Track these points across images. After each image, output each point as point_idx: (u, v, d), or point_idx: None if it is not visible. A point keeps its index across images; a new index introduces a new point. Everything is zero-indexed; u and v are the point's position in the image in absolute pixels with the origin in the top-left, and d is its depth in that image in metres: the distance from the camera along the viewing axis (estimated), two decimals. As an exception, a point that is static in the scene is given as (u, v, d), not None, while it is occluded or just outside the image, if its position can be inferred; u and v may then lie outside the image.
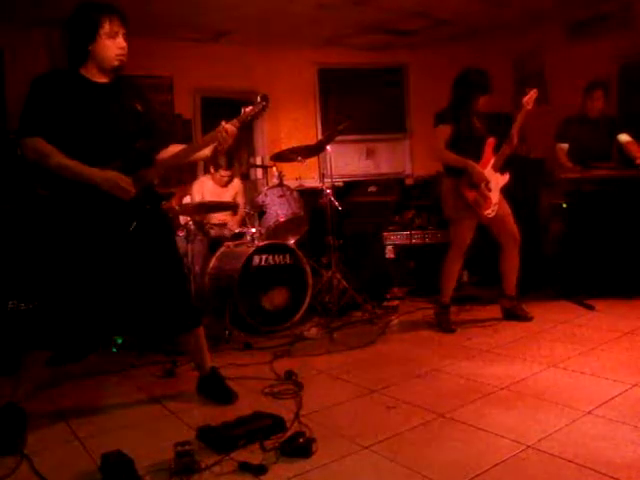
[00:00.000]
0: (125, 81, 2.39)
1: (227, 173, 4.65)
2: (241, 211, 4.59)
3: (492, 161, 3.59)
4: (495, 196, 3.58)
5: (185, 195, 4.77)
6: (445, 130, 3.53)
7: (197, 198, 4.54)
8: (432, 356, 3.11)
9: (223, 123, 2.36)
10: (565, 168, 4.43)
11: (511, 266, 3.75)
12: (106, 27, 2.20)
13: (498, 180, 3.61)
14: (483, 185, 3.51)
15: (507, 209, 3.69)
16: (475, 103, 3.55)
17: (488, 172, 3.55)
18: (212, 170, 4.69)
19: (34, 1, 4.55)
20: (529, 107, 3.52)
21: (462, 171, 3.52)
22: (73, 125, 2.21)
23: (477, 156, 3.55)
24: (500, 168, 3.63)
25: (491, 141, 3.58)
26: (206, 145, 2.43)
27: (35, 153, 2.18)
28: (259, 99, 2.41)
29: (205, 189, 4.62)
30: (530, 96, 3.52)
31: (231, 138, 2.35)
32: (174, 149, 2.46)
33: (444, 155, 3.55)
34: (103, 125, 2.25)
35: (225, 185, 4.71)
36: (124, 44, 2.26)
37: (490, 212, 3.56)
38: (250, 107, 2.40)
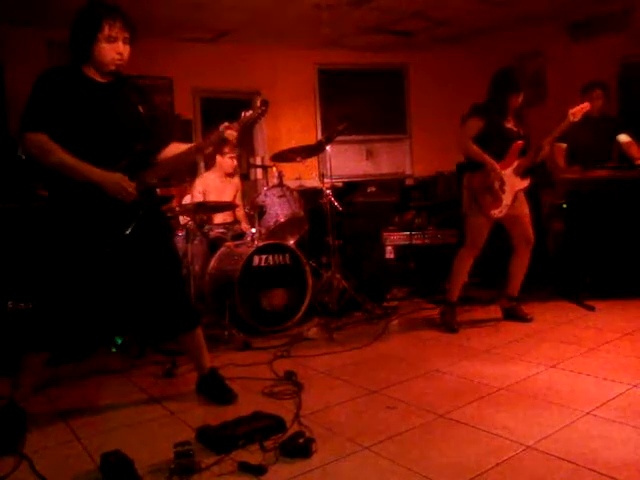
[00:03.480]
0: (128, 82, 2.39)
1: (234, 154, 4.58)
2: (242, 210, 4.58)
3: (515, 164, 3.54)
4: (508, 198, 3.53)
5: (186, 194, 4.75)
6: (476, 123, 3.51)
7: (198, 195, 4.53)
8: (432, 356, 3.11)
9: (226, 124, 2.36)
10: (560, 168, 4.43)
11: (520, 268, 3.74)
12: (105, 31, 2.20)
13: (515, 183, 3.55)
14: (497, 185, 3.50)
15: (525, 210, 3.66)
16: (510, 103, 3.52)
17: (508, 174, 3.52)
18: (218, 158, 4.65)
19: (34, 1, 4.55)
20: (575, 119, 3.46)
21: (479, 166, 3.51)
22: (75, 123, 2.21)
23: (500, 156, 3.51)
24: (522, 173, 3.57)
25: (518, 144, 3.53)
26: (207, 147, 2.45)
27: (37, 148, 2.17)
28: (258, 104, 2.41)
29: (207, 185, 4.60)
30: (580, 109, 3.45)
31: (233, 140, 2.38)
32: (175, 147, 2.47)
33: (468, 147, 3.52)
34: (105, 125, 2.25)
35: (232, 172, 4.66)
36: (122, 49, 2.25)
37: (497, 212, 3.54)
38: (250, 112, 2.41)
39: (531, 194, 4.37)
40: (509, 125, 3.57)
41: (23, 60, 4.90)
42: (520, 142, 3.54)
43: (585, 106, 3.49)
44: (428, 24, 5.98)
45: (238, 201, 4.69)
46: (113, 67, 2.26)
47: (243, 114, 2.41)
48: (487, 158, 3.48)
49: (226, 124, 2.38)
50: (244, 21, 5.52)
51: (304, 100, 6.77)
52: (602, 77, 4.61)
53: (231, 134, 2.35)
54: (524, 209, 3.66)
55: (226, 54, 6.21)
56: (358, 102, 6.90)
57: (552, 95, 5.74)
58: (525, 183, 3.62)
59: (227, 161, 4.60)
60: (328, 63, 6.84)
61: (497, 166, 3.50)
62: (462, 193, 3.70)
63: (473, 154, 3.53)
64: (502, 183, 3.51)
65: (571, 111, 3.48)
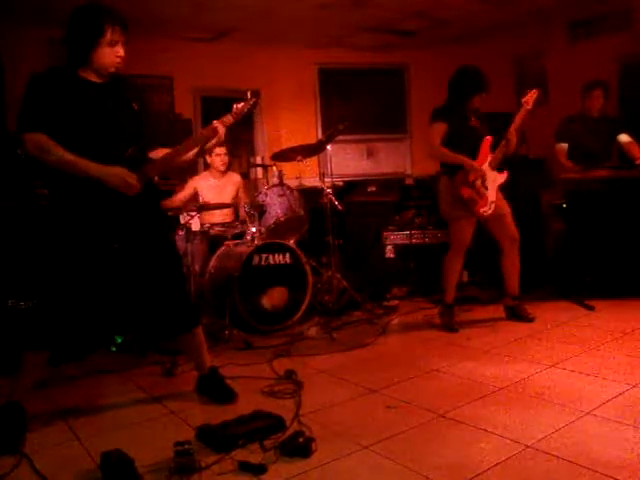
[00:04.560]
0: (123, 80, 2.40)
1: (223, 150, 4.57)
2: (243, 207, 4.54)
3: (488, 159, 3.58)
4: (492, 194, 3.56)
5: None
6: (440, 127, 3.53)
7: (189, 190, 4.53)
8: (432, 356, 3.10)
9: (215, 122, 2.39)
10: (565, 168, 4.43)
11: (512, 266, 3.74)
12: (108, 36, 2.21)
13: (495, 178, 3.60)
14: (479, 182, 3.51)
15: (507, 209, 3.68)
16: (470, 102, 3.56)
17: (484, 169, 3.54)
18: (208, 159, 4.65)
19: (34, 1, 4.54)
20: (528, 107, 3.53)
21: (458, 168, 3.52)
22: (73, 122, 2.22)
23: (472, 154, 3.54)
24: (497, 167, 3.61)
25: (488, 139, 3.57)
26: (199, 144, 2.46)
27: (37, 148, 2.17)
28: (249, 95, 2.46)
29: (201, 185, 4.59)
30: (530, 96, 3.53)
31: (222, 136, 2.40)
32: (160, 152, 2.46)
33: (439, 152, 3.54)
34: (102, 123, 2.26)
35: (224, 171, 4.65)
36: (122, 53, 2.27)
37: (487, 209, 3.55)
38: (241, 103, 2.44)
39: (531, 194, 4.40)
40: (473, 123, 3.59)
41: (23, 58, 4.88)
42: (490, 137, 3.57)
43: (534, 92, 3.55)
44: (429, 24, 5.98)
45: (242, 196, 4.68)
46: (113, 69, 2.28)
47: (235, 106, 2.44)
48: (463, 158, 3.49)
49: (215, 122, 2.41)
50: (244, 20, 5.51)
51: (304, 99, 6.76)
52: (603, 77, 4.60)
53: (220, 128, 2.38)
54: (505, 207, 3.68)
55: (226, 53, 6.20)
56: (358, 101, 6.89)
57: (553, 95, 5.73)
58: (503, 177, 3.64)
59: (215, 159, 4.59)
60: (328, 62, 6.83)
61: (474, 163, 3.51)
62: (439, 197, 3.70)
63: (447, 158, 3.54)
64: (483, 179, 3.53)
65: (523, 100, 3.55)
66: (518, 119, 3.56)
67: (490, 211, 3.56)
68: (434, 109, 3.61)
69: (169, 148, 2.47)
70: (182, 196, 4.53)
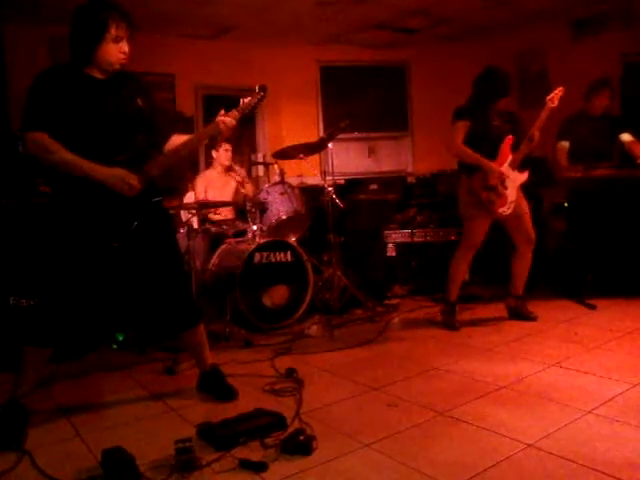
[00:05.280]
0: (127, 76, 2.38)
1: (229, 146, 4.60)
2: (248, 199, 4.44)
3: (509, 159, 3.54)
4: (512, 193, 3.54)
5: (188, 191, 4.75)
6: (463, 125, 3.51)
7: (201, 192, 4.54)
8: (433, 354, 3.11)
9: (222, 112, 2.39)
10: (562, 167, 4.42)
11: (523, 266, 3.72)
12: (112, 31, 2.20)
13: (516, 178, 3.56)
14: (498, 183, 3.50)
15: (525, 208, 3.65)
16: (494, 104, 3.54)
17: (505, 170, 3.52)
18: (213, 154, 4.67)
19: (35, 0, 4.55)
20: (553, 105, 3.47)
21: (476, 168, 3.50)
22: (75, 120, 2.21)
23: (493, 154, 3.51)
24: (518, 166, 3.58)
25: (509, 139, 3.53)
26: (206, 136, 2.48)
27: (38, 148, 2.18)
28: (257, 89, 2.46)
29: (208, 182, 4.60)
30: (555, 94, 3.48)
31: (230, 129, 2.40)
32: (177, 140, 2.46)
33: (461, 151, 3.51)
34: (105, 120, 2.25)
35: (229, 165, 4.67)
36: (126, 49, 2.26)
37: (505, 209, 3.53)
38: (249, 98, 2.44)
39: (532, 193, 4.39)
40: (495, 122, 3.57)
41: (26, 56, 4.89)
42: (511, 137, 3.55)
43: (560, 90, 3.51)
44: (430, 22, 5.97)
45: (247, 189, 4.66)
46: (118, 66, 2.28)
47: (242, 101, 2.44)
48: (483, 160, 3.47)
49: (222, 112, 2.41)
50: (245, 18, 5.51)
51: (306, 97, 6.76)
52: (605, 76, 4.59)
53: (228, 120, 2.38)
54: (525, 206, 3.66)
55: (228, 51, 6.19)
56: (360, 99, 6.88)
57: (554, 93, 5.72)
58: (524, 176, 3.61)
59: (222, 153, 4.62)
60: (330, 60, 6.82)
61: (494, 166, 3.49)
62: (458, 195, 3.69)
63: (468, 158, 3.52)
64: (503, 180, 3.51)
65: (548, 98, 3.50)
66: (542, 117, 3.50)
67: (509, 211, 3.54)
68: (457, 107, 3.58)
69: (183, 134, 2.47)
70: (200, 196, 4.52)
